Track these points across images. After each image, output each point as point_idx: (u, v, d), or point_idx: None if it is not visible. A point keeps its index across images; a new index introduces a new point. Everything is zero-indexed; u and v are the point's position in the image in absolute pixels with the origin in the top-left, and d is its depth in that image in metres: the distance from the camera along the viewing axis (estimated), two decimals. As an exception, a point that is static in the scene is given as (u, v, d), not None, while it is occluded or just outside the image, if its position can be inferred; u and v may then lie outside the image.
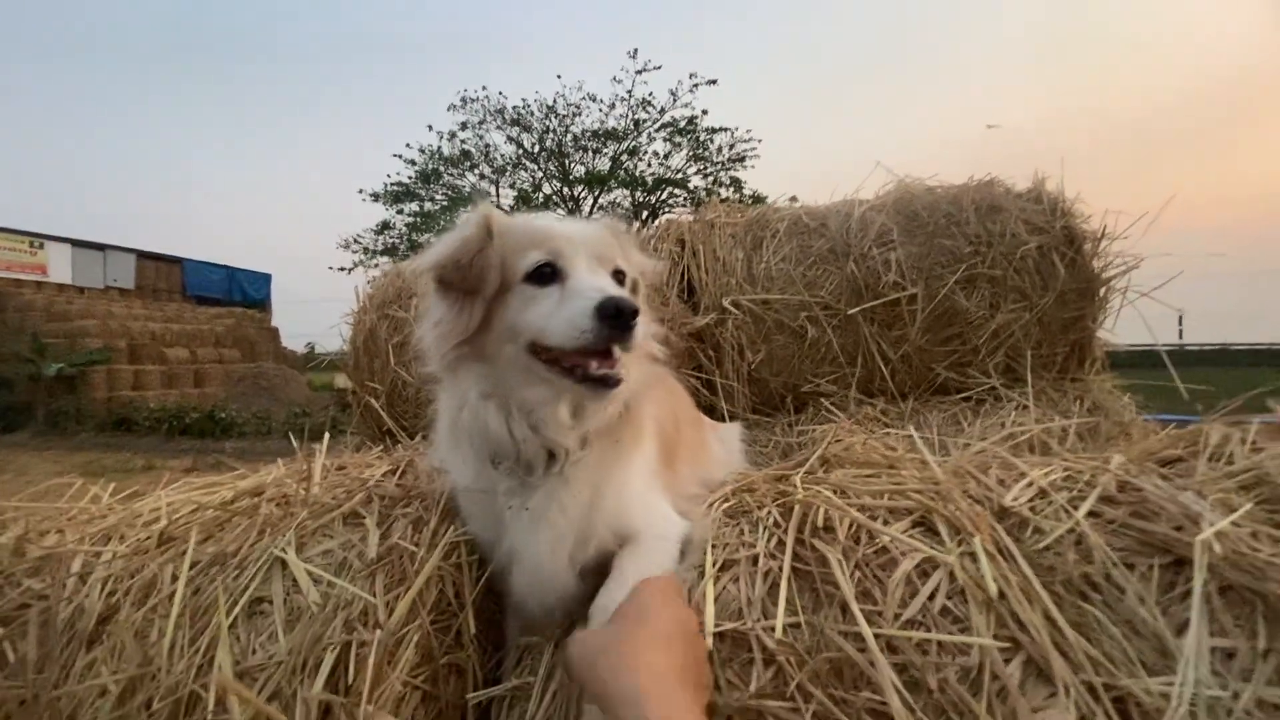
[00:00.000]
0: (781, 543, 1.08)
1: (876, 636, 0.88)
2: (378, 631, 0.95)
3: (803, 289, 2.62)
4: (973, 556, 0.96)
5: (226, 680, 0.92)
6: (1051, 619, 0.88)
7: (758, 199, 18.27)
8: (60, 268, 18.48)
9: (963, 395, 2.48)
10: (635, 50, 16.83)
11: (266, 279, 22.25)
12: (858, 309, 2.54)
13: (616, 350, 1.00)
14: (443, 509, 1.21)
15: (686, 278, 2.79)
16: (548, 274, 1.06)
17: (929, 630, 0.89)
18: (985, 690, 0.83)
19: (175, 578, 1.19)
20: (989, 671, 0.84)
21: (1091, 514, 1.00)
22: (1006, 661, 0.86)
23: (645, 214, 19.49)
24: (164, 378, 17.53)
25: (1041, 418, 2.17)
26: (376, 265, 19.73)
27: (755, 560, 1.06)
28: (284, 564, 1.15)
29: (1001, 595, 0.91)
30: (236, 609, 1.08)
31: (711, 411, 2.48)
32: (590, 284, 1.02)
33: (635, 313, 0.96)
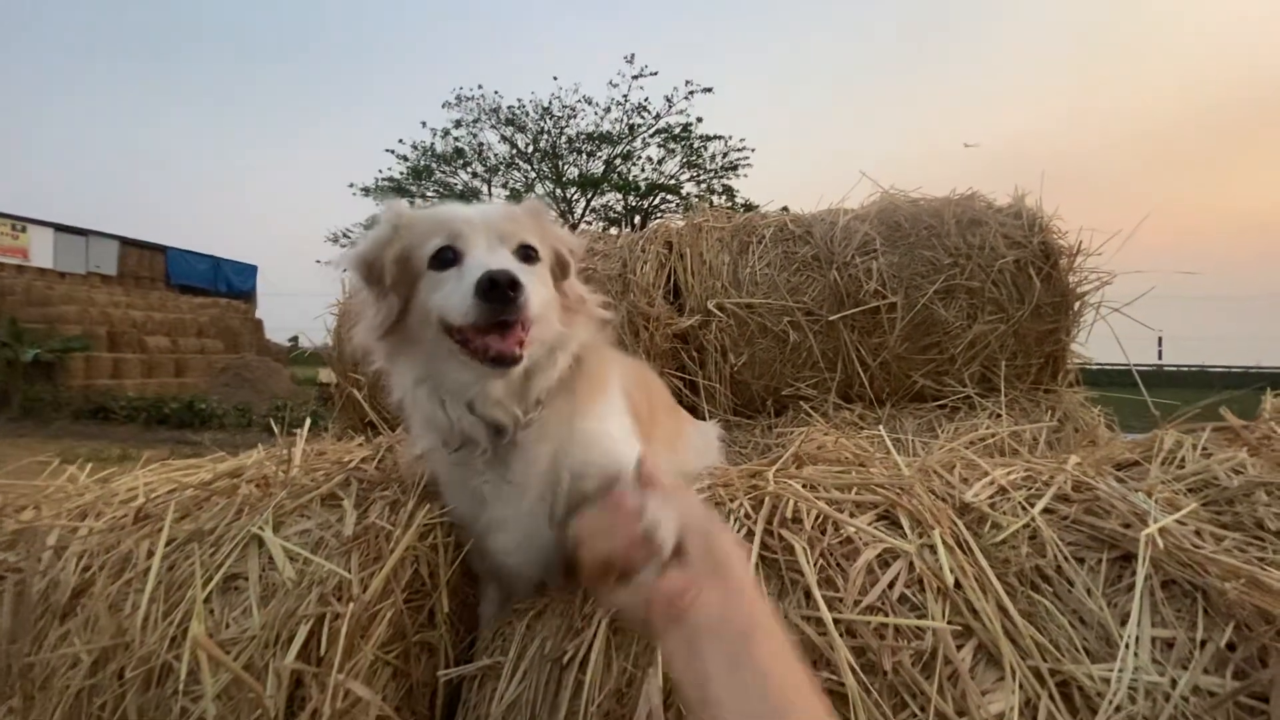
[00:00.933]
0: (751, 533, 1.11)
1: (836, 621, 0.92)
2: (350, 605, 0.97)
3: (786, 294, 2.67)
4: (932, 548, 1.00)
5: (202, 640, 0.94)
6: (1003, 608, 0.92)
7: (749, 207, 18.40)
8: (42, 252, 18.22)
9: (939, 403, 2.54)
10: (632, 55, 16.94)
11: (252, 270, 22.06)
12: (839, 315, 2.59)
13: (520, 326, 1.02)
14: (420, 492, 1.23)
15: (673, 280, 2.83)
16: (449, 258, 1.09)
17: (886, 616, 0.93)
18: (937, 674, 0.86)
19: (151, 553, 1.20)
20: (942, 656, 0.88)
21: (1047, 511, 1.05)
22: (959, 647, 0.89)
23: (637, 218, 19.57)
24: (144, 366, 17.29)
25: (1015, 428, 2.23)
26: (365, 260, 19.67)
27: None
28: (260, 542, 1.16)
29: (957, 585, 0.95)
30: (211, 584, 1.09)
31: (693, 412, 2.51)
32: (478, 262, 1.04)
33: (514, 283, 0.97)
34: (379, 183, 19.10)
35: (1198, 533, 0.96)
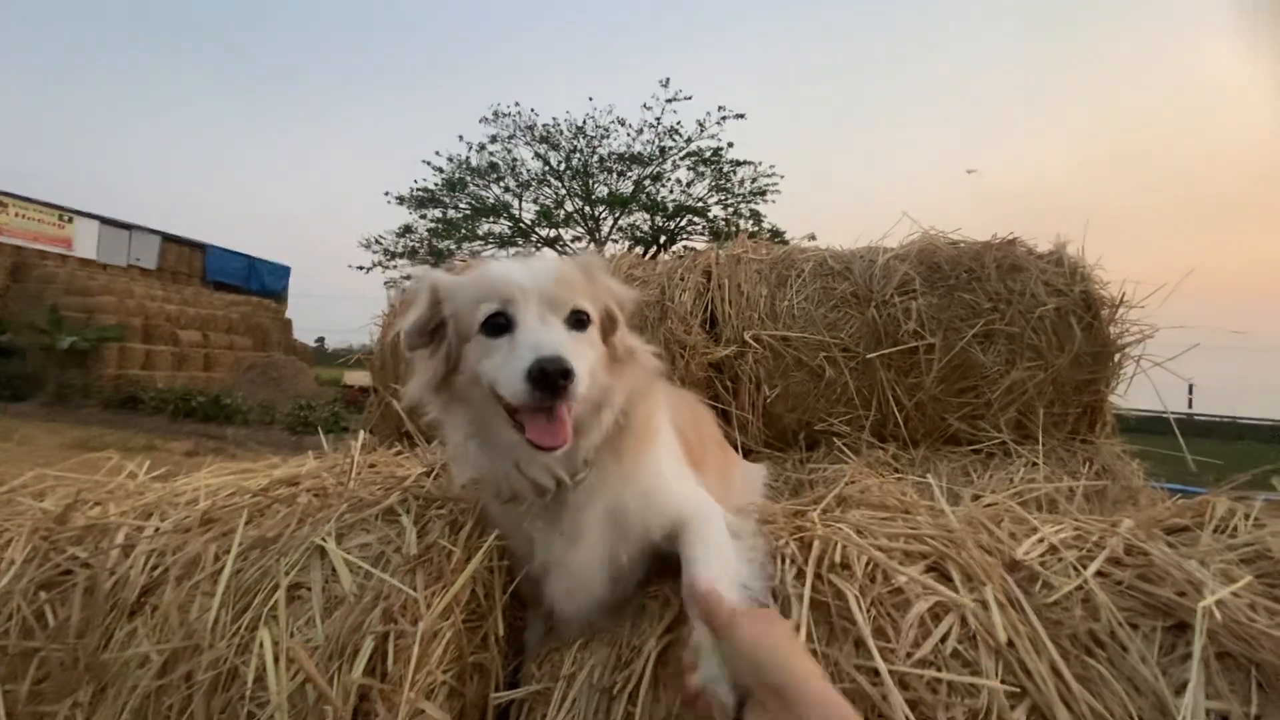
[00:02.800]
0: (801, 573, 1.13)
1: (890, 673, 0.93)
2: (420, 623, 1.00)
3: (823, 329, 2.69)
4: (984, 604, 1.02)
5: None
6: (1057, 670, 0.93)
7: (776, 233, 18.46)
8: (86, 243, 18.82)
9: (973, 447, 2.53)
10: (667, 79, 17.19)
11: (286, 271, 22.58)
12: (876, 354, 2.60)
13: (567, 409, 1.03)
14: (478, 514, 1.27)
15: (710, 309, 2.87)
16: (500, 324, 1.09)
17: (940, 670, 0.94)
18: (989, 729, 0.87)
19: (218, 557, 1.25)
20: (995, 715, 0.89)
21: (1099, 574, 1.06)
22: (1013, 707, 0.90)
23: (664, 238, 19.71)
24: (175, 359, 17.70)
25: (1050, 476, 2.22)
26: (395, 267, 19.95)
27: (773, 593, 1.11)
28: (324, 553, 1.21)
29: (1010, 644, 0.96)
30: (278, 593, 1.13)
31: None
32: (530, 340, 1.05)
33: (567, 374, 0.98)
34: (414, 192, 19.48)
35: (1252, 606, 0.96)
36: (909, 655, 0.96)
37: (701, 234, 19.57)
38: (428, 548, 1.16)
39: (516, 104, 19.08)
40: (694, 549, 1.13)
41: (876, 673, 0.93)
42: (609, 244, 20.00)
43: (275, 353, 18.42)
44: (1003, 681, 0.92)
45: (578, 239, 20.19)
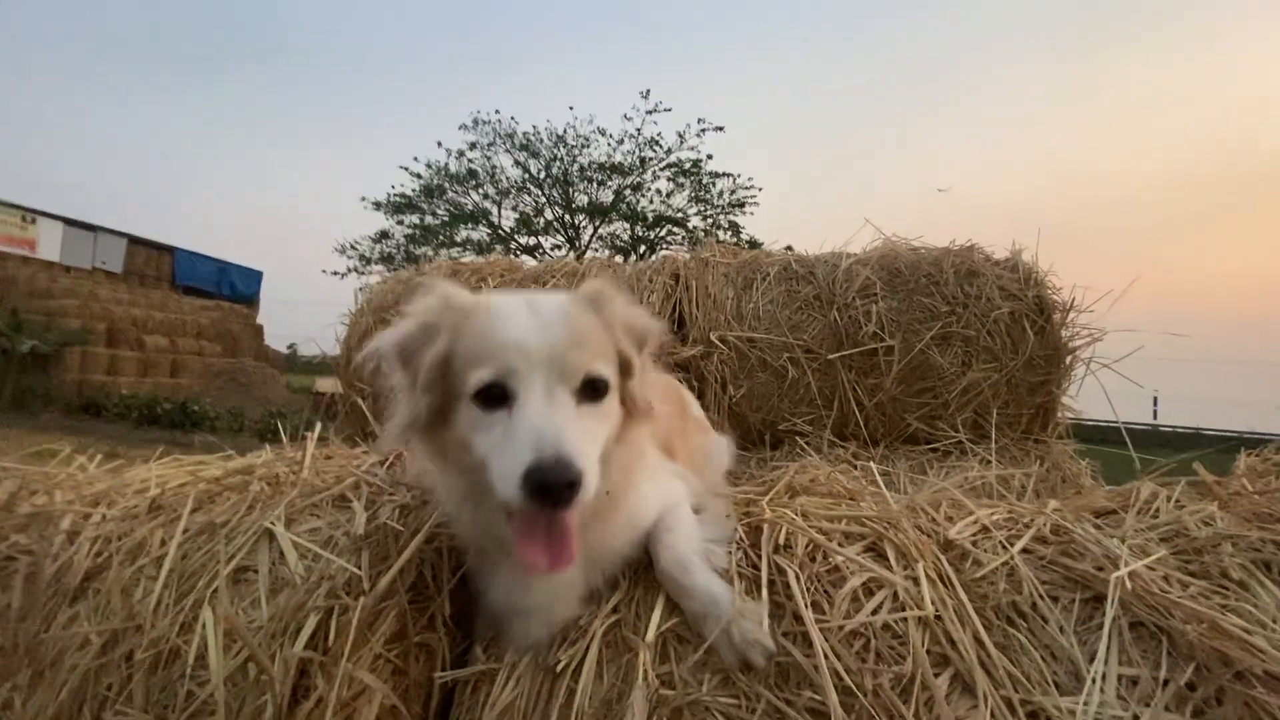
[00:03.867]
0: (746, 556, 1.17)
1: (824, 642, 0.97)
2: (361, 598, 1.01)
3: (787, 331, 2.75)
4: (915, 580, 1.06)
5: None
6: (980, 640, 0.97)
7: (754, 244, 18.69)
8: (50, 245, 18.35)
9: (931, 446, 2.60)
10: (648, 91, 17.37)
11: (258, 276, 22.19)
12: (837, 355, 2.67)
13: (570, 520, 0.91)
14: (426, 498, 1.28)
15: (678, 310, 2.92)
16: (496, 395, 0.93)
17: (870, 641, 0.98)
18: (915, 698, 0.91)
19: (164, 542, 1.25)
20: (920, 682, 0.93)
21: (1025, 551, 1.11)
22: (937, 674, 0.94)
23: (643, 248, 19.83)
24: (140, 365, 17.28)
25: (1002, 473, 2.29)
26: (371, 273, 19.78)
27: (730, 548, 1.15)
28: (272, 536, 1.21)
29: (938, 616, 1.01)
30: (223, 574, 1.13)
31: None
32: (531, 428, 0.88)
33: (573, 484, 0.84)
34: (391, 198, 19.36)
35: (1166, 578, 1.01)
36: (841, 628, 0.99)
37: (681, 244, 19.73)
38: (375, 529, 1.17)
39: (497, 111, 19.11)
40: (662, 539, 1.14)
41: (810, 642, 0.97)
42: (589, 252, 20.07)
43: (245, 359, 18.08)
44: (928, 651, 0.96)
45: (557, 247, 20.20)
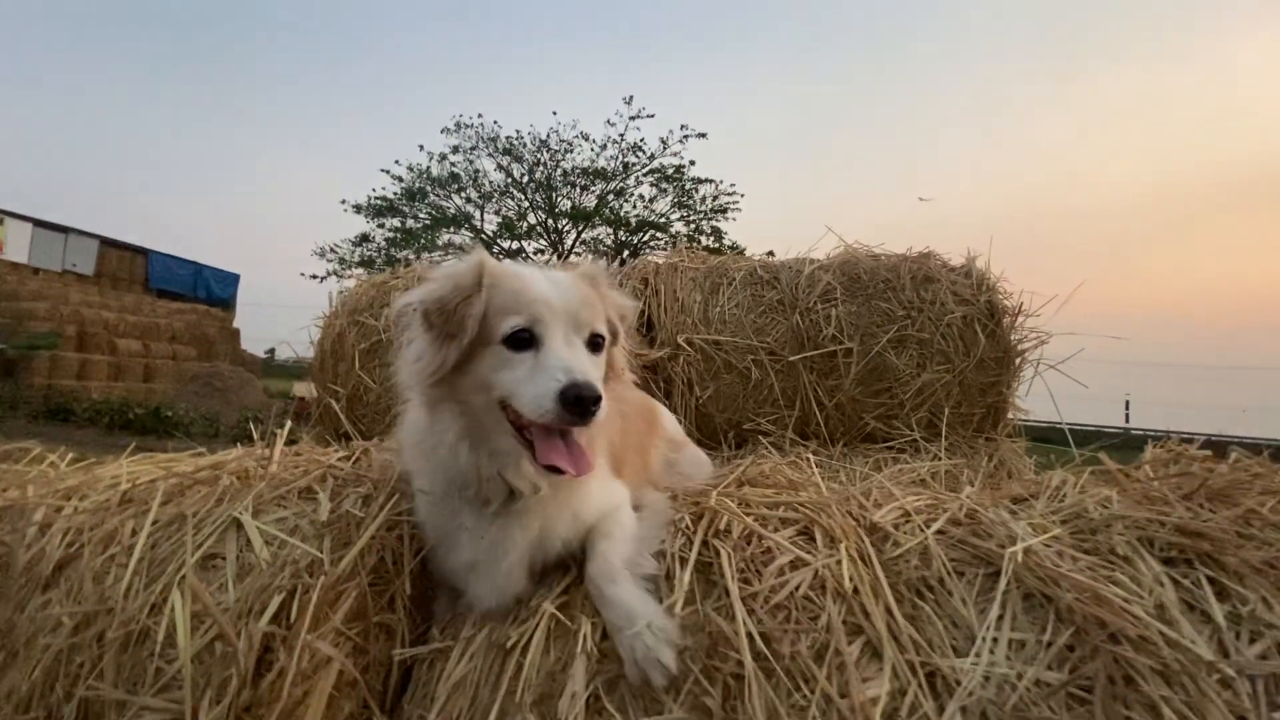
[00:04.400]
0: (690, 541, 1.26)
1: (746, 614, 1.06)
2: (321, 578, 1.09)
3: (752, 334, 2.86)
4: (838, 559, 1.16)
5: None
6: (890, 611, 1.08)
7: (736, 249, 18.89)
8: (18, 246, 18.02)
9: (887, 444, 2.72)
10: (631, 97, 17.53)
11: (234, 279, 21.96)
12: (799, 356, 2.78)
13: (585, 429, 1.09)
14: (391, 489, 1.36)
15: (647, 314, 3.02)
16: (524, 339, 1.12)
17: (791, 613, 1.08)
18: (828, 663, 1.01)
19: (135, 532, 1.31)
20: (833, 649, 1.03)
21: (939, 532, 1.22)
22: (850, 642, 1.04)
23: (626, 253, 19.94)
24: (112, 369, 17.03)
25: (951, 468, 2.41)
26: (351, 276, 19.67)
27: (663, 555, 1.24)
28: (239, 525, 1.28)
29: (855, 591, 1.11)
30: (191, 560, 1.20)
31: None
32: (560, 362, 1.09)
33: (597, 400, 1.04)
34: (372, 201, 19.28)
35: (1060, 554, 1.13)
36: (767, 600, 1.09)
37: (664, 249, 19.88)
38: (338, 516, 1.25)
39: (479, 115, 19.14)
40: (597, 546, 1.24)
41: (734, 615, 1.06)
42: (572, 256, 20.14)
43: (221, 363, 17.87)
44: (844, 622, 1.06)
45: (540, 251, 20.24)
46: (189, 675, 1.04)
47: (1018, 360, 2.76)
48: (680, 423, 2.83)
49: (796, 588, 1.11)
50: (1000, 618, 1.04)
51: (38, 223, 18.33)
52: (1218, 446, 1.46)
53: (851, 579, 1.12)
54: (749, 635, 1.04)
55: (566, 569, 1.28)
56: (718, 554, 1.20)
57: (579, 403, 1.04)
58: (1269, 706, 0.93)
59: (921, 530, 1.22)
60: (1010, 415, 2.83)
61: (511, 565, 1.23)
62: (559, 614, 1.19)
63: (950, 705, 0.95)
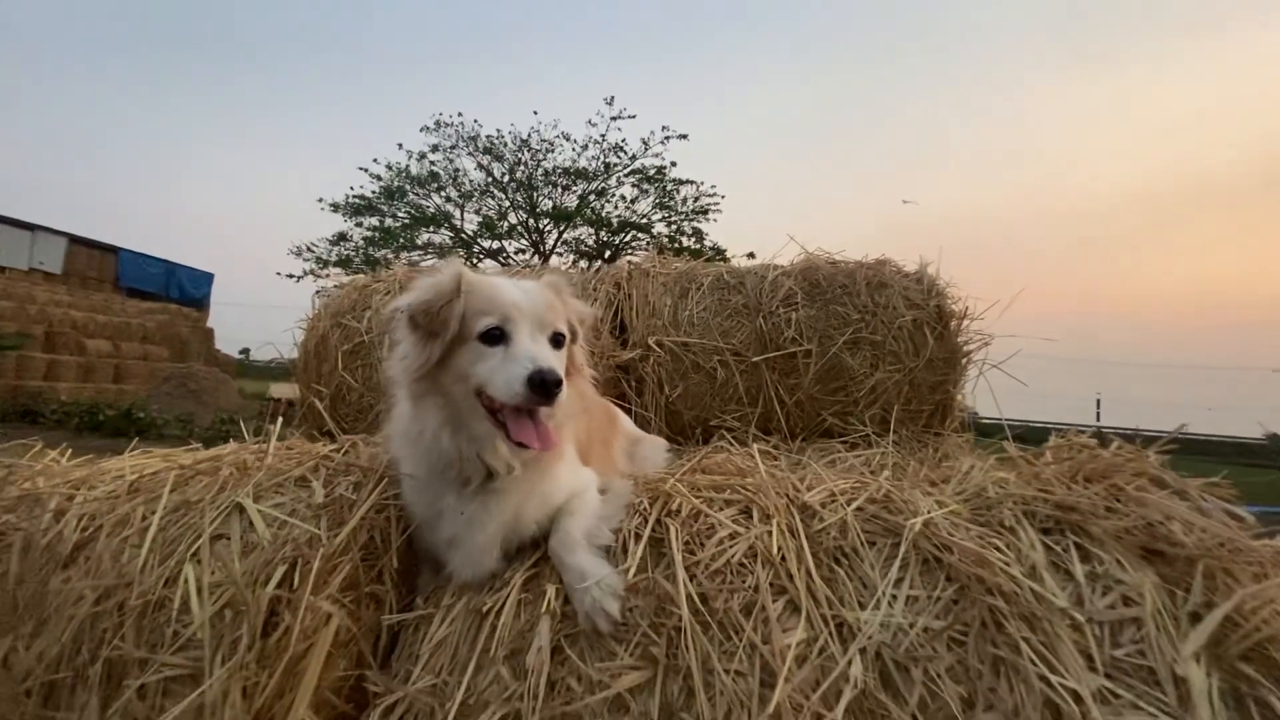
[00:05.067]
0: (645, 520, 1.45)
1: (687, 577, 1.26)
2: (320, 549, 1.27)
3: (718, 336, 3.06)
4: (770, 532, 1.36)
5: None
6: (810, 574, 1.28)
7: (718, 250, 19.14)
8: (-19, 244, 17.73)
9: (843, 438, 2.94)
10: (612, 98, 17.69)
11: (208, 278, 21.75)
12: (762, 357, 2.99)
13: (543, 410, 1.30)
14: (379, 475, 1.53)
15: (619, 317, 3.20)
16: (496, 335, 1.33)
17: (727, 577, 1.27)
18: (754, 617, 1.21)
19: (146, 517, 1.47)
20: (759, 605, 1.23)
21: (858, 509, 1.42)
22: (775, 600, 1.24)
23: (608, 253, 20.09)
24: (81, 370, 16.80)
25: (899, 461, 2.63)
26: (328, 276, 19.56)
27: (621, 531, 1.43)
28: (242, 509, 1.45)
29: (782, 558, 1.31)
30: (200, 540, 1.37)
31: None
32: (527, 353, 1.30)
33: (559, 383, 1.24)
34: (350, 199, 19.20)
35: (955, 526, 1.34)
36: (706, 567, 1.29)
37: (647, 250, 20.05)
38: (332, 500, 1.42)
39: (459, 114, 19.17)
40: (560, 522, 1.44)
41: (677, 579, 1.26)
42: (553, 257, 20.24)
43: (196, 364, 17.70)
44: (770, 584, 1.26)
45: (521, 251, 20.29)
46: (206, 635, 1.20)
47: (964, 360, 2.99)
48: (651, 420, 3.04)
49: (733, 556, 1.31)
50: (900, 579, 1.25)
51: (2, 219, 18.03)
52: (1130, 439, 1.68)
53: (780, 548, 1.32)
54: (689, 596, 1.23)
55: (537, 547, 1.47)
56: (668, 530, 1.40)
57: (543, 386, 1.24)
58: (1111, 645, 1.14)
59: (843, 508, 1.43)
60: (955, 412, 3.06)
61: (488, 540, 1.42)
62: (528, 584, 1.38)
63: (852, 648, 1.15)
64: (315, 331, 3.34)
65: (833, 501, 1.47)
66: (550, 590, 1.31)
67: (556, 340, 1.42)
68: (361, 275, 3.67)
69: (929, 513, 1.35)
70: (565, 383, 1.28)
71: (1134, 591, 1.18)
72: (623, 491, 1.56)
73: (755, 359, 3.00)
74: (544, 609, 1.28)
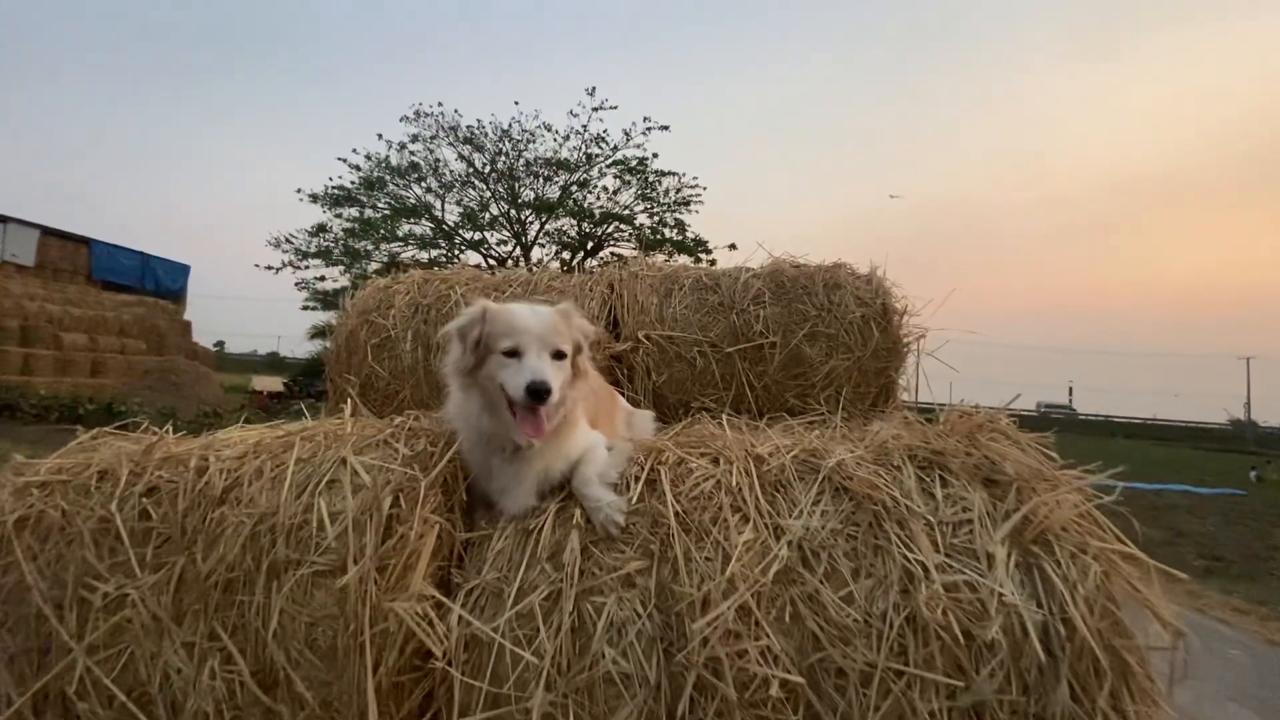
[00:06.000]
0: (643, 468, 2.06)
1: (674, 500, 1.87)
2: (421, 482, 1.86)
3: (698, 330, 3.67)
4: (730, 472, 1.98)
5: (355, 464, 1.81)
6: (759, 499, 1.90)
7: (699, 242, 19.73)
8: (-50, 236, 17.71)
9: (802, 417, 3.57)
10: (594, 88, 18.15)
11: (184, 270, 21.88)
12: (734, 348, 3.61)
13: (545, 413, 1.88)
14: (447, 438, 2.12)
15: (612, 314, 3.80)
16: (512, 351, 1.90)
17: (702, 502, 1.89)
18: (719, 524, 1.83)
19: (274, 469, 2.04)
20: (723, 518, 1.84)
21: (795, 456, 2.04)
22: (733, 515, 1.86)
23: (590, 244, 20.58)
24: (57, 364, 16.95)
25: (846, 434, 3.27)
26: (307, 267, 19.78)
27: (622, 476, 2.04)
28: (346, 462, 2.02)
29: (739, 489, 1.93)
30: (323, 481, 1.95)
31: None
32: (531, 368, 1.86)
33: (549, 391, 1.80)
34: (329, 190, 19.44)
35: (859, 464, 1.97)
36: (686, 495, 1.90)
37: (629, 240, 20.57)
38: (415, 454, 2.01)
39: (439, 104, 19.48)
40: (579, 469, 2.05)
41: (667, 503, 1.87)
42: (535, 248, 20.68)
43: (177, 357, 17.94)
44: (730, 506, 1.88)
45: (503, 243, 20.67)
46: (348, 538, 1.79)
47: (904, 350, 3.64)
48: (640, 402, 3.65)
49: (705, 488, 1.93)
50: (817, 499, 1.87)
51: (-29, 211, 18.01)
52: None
53: (737, 483, 1.94)
54: (675, 513, 1.85)
55: (564, 488, 2.07)
56: (659, 473, 2.01)
57: (536, 392, 1.81)
58: (951, 537, 1.78)
59: (784, 455, 2.05)
60: (897, 394, 3.71)
61: (527, 488, 2.02)
62: (560, 511, 1.99)
63: (782, 541, 1.77)
64: (344, 328, 3.89)
65: (777, 452, 2.09)
66: (576, 512, 1.92)
67: (558, 355, 1.96)
68: (382, 278, 4.22)
69: (840, 457, 1.98)
70: (576, 380, 1.94)
71: (971, 504, 1.81)
72: (624, 448, 2.17)
73: (729, 349, 3.62)
74: (573, 525, 1.88)
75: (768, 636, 1.62)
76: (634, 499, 1.94)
